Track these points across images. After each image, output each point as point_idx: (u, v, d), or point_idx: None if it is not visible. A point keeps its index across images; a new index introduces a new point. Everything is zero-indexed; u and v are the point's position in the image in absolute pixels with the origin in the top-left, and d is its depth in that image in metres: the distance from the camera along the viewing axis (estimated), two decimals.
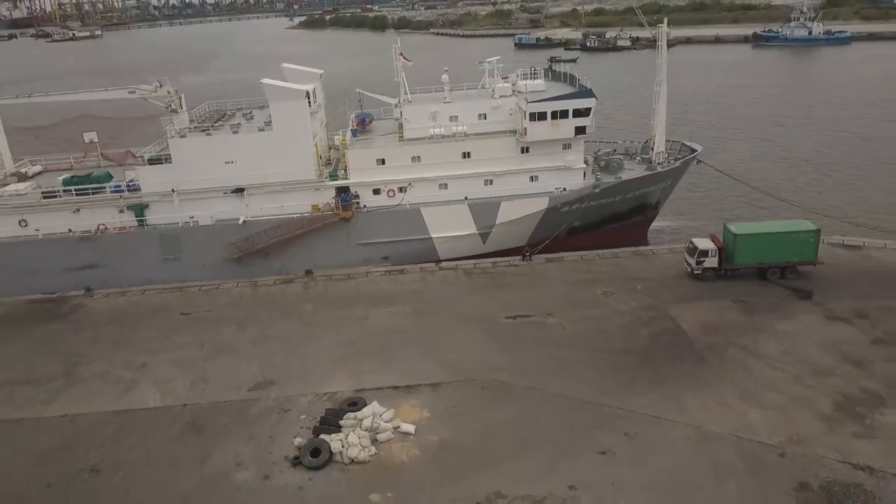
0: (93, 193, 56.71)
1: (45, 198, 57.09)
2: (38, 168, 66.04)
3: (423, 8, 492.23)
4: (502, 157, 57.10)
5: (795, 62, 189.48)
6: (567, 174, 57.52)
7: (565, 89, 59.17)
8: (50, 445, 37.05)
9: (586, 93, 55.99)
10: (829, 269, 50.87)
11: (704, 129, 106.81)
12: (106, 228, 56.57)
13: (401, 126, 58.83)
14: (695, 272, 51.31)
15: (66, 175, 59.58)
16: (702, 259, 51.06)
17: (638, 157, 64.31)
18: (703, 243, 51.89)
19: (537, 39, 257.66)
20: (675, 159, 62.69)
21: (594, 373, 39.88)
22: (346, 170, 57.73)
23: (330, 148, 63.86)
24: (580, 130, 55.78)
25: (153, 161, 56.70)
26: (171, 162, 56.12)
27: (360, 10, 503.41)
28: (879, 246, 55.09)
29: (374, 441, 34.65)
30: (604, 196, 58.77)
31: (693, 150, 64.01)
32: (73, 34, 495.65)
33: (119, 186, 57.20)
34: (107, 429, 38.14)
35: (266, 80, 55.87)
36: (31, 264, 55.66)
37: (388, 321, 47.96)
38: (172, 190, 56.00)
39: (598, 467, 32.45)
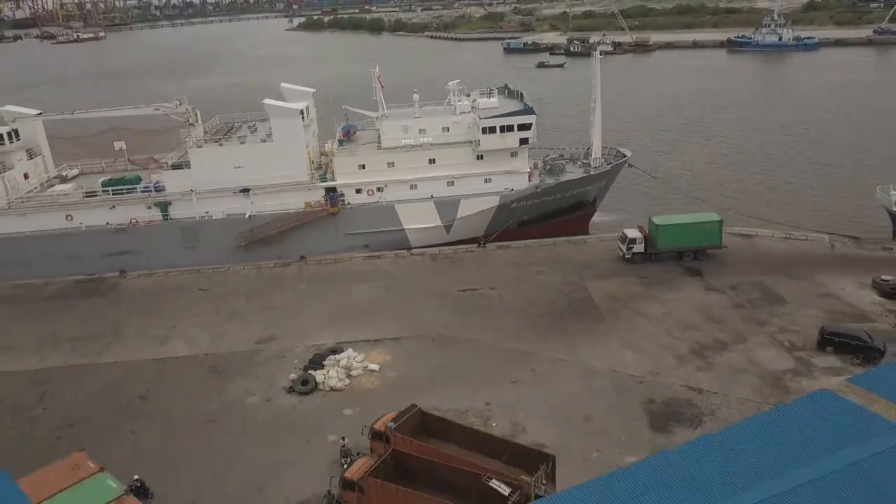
0: (126, 193, 69.23)
1: (86, 196, 69.61)
2: (75, 172, 78.48)
3: (419, 9, 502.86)
4: (461, 162, 69.52)
5: (764, 68, 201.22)
6: (514, 177, 69.96)
7: (516, 105, 71.53)
8: (107, 383, 49.54)
9: (528, 111, 68.43)
10: (726, 253, 63.41)
11: (666, 134, 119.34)
12: (137, 222, 69.03)
13: (379, 137, 71.18)
14: (626, 256, 63.79)
15: (103, 178, 72.07)
16: (631, 245, 63.52)
17: (579, 162, 76.63)
18: (632, 233, 64.39)
19: (524, 44, 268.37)
20: (609, 164, 75.04)
21: (517, 328, 52.40)
22: (333, 173, 70.16)
23: (321, 154, 76.19)
24: (524, 141, 68.22)
25: (175, 166, 69.18)
26: (190, 167, 68.57)
27: (358, 11, 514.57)
28: (768, 235, 67.56)
29: (349, 375, 47.14)
30: (546, 195, 71.20)
31: (625, 156, 76.42)
32: (78, 36, 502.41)
33: (147, 187, 69.70)
34: (148, 371, 50.64)
35: (267, 101, 68.32)
36: (76, 251, 68.02)
37: (366, 294, 60.49)
38: (191, 190, 68.48)
39: (508, 391, 44.91)
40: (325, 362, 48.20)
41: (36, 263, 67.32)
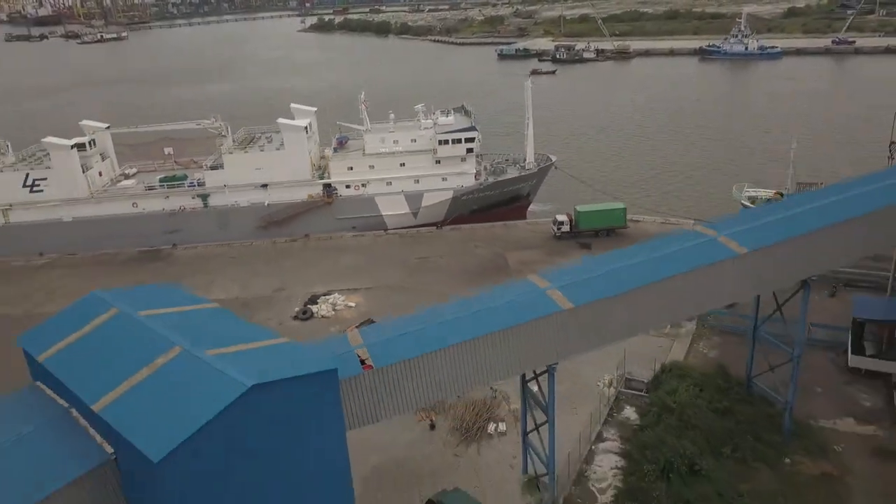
0: (176, 187, 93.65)
1: (147, 189, 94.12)
2: (134, 170, 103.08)
3: (427, 9, 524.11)
4: (424, 165, 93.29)
5: (725, 76, 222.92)
6: (464, 176, 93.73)
7: (467, 123, 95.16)
8: None
9: (472, 128, 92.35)
10: (622, 232, 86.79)
11: (608, 138, 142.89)
12: (184, 208, 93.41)
13: (363, 146, 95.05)
14: (556, 235, 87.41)
15: (159, 175, 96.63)
16: (560, 226, 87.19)
17: (518, 165, 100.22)
18: (561, 217, 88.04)
19: (517, 50, 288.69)
20: (538, 166, 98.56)
21: (451, 281, 76.24)
22: (329, 173, 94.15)
23: (320, 158, 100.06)
24: (469, 150, 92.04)
25: (213, 167, 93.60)
26: (223, 168, 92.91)
27: (368, 11, 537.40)
28: (650, 220, 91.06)
29: (334, 309, 71.31)
30: (489, 190, 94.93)
31: (551, 160, 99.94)
32: (101, 35, 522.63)
33: (192, 183, 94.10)
34: None
35: (280, 120, 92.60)
36: (140, 230, 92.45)
37: (350, 261, 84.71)
38: (224, 185, 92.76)
39: None
40: (318, 300, 72.46)
41: (111, 238, 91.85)
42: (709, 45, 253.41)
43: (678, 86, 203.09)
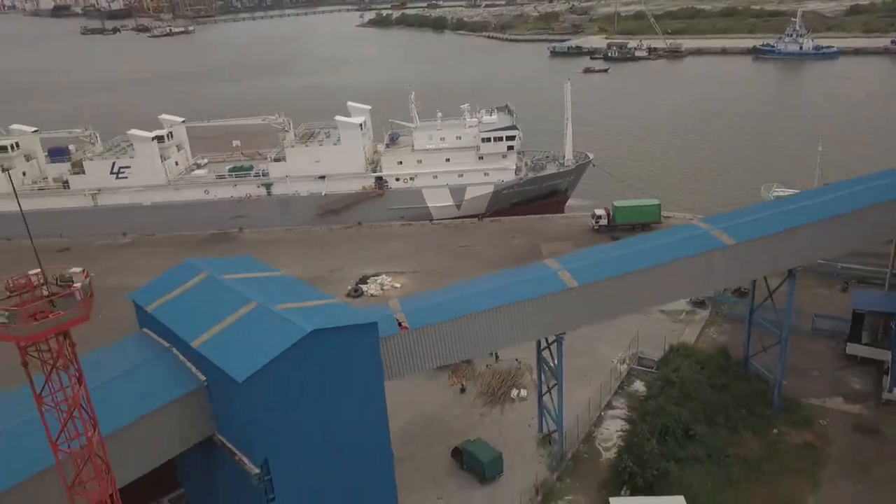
0: (244, 176, 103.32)
1: (218, 178, 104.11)
2: (206, 161, 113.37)
3: (484, 4, 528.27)
4: (468, 161, 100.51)
5: (777, 77, 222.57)
6: (505, 172, 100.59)
7: (509, 121, 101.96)
8: None
9: (514, 127, 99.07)
10: (656, 227, 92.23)
11: (650, 137, 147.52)
12: (250, 196, 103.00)
13: (413, 142, 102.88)
14: (594, 227, 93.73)
15: (229, 166, 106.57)
16: (598, 220, 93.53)
17: (558, 161, 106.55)
18: (599, 211, 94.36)
19: (569, 48, 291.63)
20: (576, 163, 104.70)
21: (489, 268, 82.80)
22: (381, 167, 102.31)
23: (374, 153, 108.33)
24: (510, 147, 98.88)
25: (276, 159, 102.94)
26: (286, 160, 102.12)
27: (425, 7, 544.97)
28: (683, 217, 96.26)
29: (382, 288, 79.45)
30: (528, 184, 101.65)
31: (589, 158, 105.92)
32: (170, 29, 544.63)
33: (257, 173, 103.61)
34: None
35: (338, 117, 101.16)
36: (211, 215, 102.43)
37: (398, 247, 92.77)
38: (286, 176, 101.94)
39: None
40: (368, 281, 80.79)
41: (185, 222, 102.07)
42: (762, 45, 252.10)
43: (727, 86, 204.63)
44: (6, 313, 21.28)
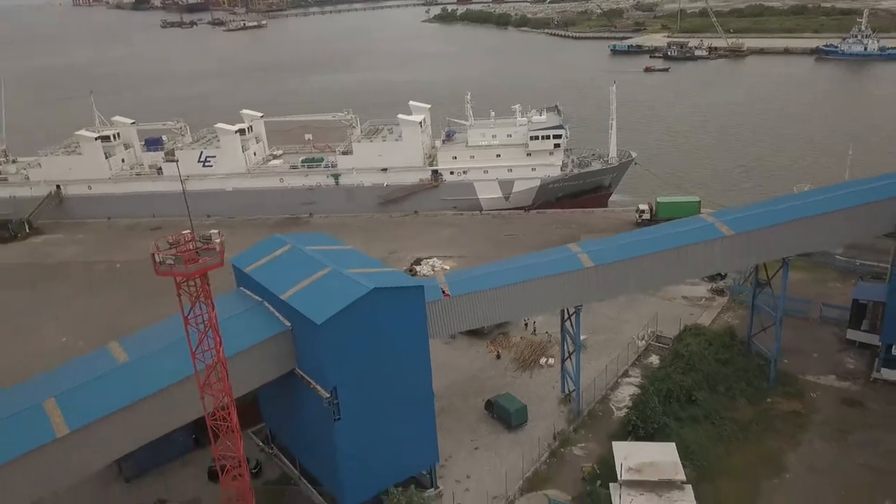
0: (315, 167, 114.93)
1: (291, 168, 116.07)
2: (280, 152, 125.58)
3: (548, 1, 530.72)
4: (517, 157, 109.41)
5: (838, 78, 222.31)
6: (551, 168, 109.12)
7: (557, 121, 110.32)
8: None
9: (561, 126, 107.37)
10: None
11: (695, 137, 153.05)
12: (320, 185, 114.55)
13: (467, 139, 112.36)
14: (638, 221, 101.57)
15: (301, 157, 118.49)
16: (641, 214, 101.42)
17: (602, 159, 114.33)
18: (643, 206, 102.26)
19: (629, 47, 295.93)
20: (619, 161, 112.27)
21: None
22: (437, 161, 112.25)
23: (431, 148, 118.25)
24: (557, 145, 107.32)
25: (344, 153, 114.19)
26: (352, 154, 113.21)
27: (490, 2, 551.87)
28: None
29: (433, 269, 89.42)
30: (572, 180, 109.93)
31: (631, 156, 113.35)
32: (244, 23, 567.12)
33: (327, 164, 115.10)
34: None
35: (401, 116, 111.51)
36: (284, 201, 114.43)
37: (450, 234, 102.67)
38: (353, 168, 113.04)
39: None
40: (421, 262, 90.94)
41: (262, 206, 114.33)
42: (825, 45, 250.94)
43: (783, 87, 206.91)
44: (173, 257, 31.78)
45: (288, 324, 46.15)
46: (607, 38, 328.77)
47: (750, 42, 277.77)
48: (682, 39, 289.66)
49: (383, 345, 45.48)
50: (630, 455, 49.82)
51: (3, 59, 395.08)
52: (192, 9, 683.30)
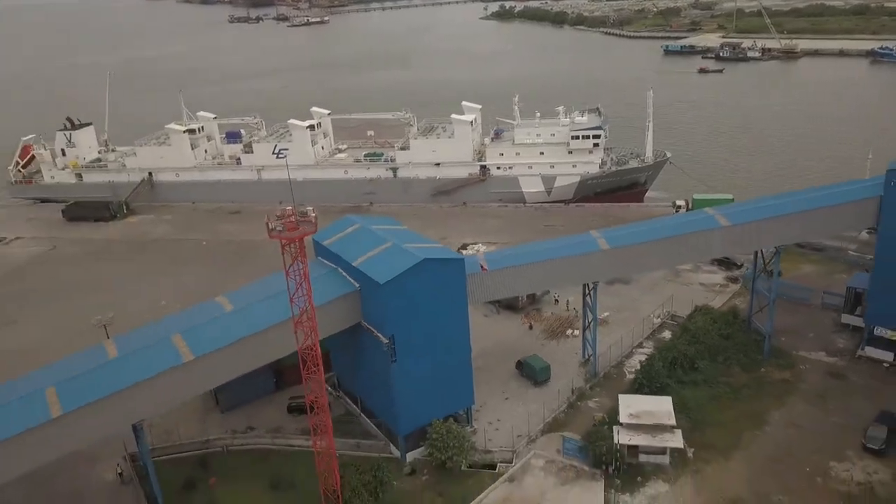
0: (376, 161, 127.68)
1: (355, 161, 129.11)
2: (345, 146, 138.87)
3: None
4: (559, 154, 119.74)
5: (888, 81, 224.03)
6: (590, 165, 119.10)
7: (598, 122, 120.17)
8: None
9: (600, 127, 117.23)
10: None
11: (735, 139, 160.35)
12: (380, 177, 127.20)
13: (513, 137, 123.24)
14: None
15: (364, 152, 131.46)
16: (678, 209, 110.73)
17: (639, 158, 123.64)
18: (680, 202, 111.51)
19: (682, 47, 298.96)
20: (655, 160, 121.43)
21: None
22: (485, 157, 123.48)
23: (481, 145, 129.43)
24: (596, 144, 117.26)
25: (402, 148, 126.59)
26: (409, 149, 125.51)
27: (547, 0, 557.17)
28: None
29: (478, 251, 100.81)
30: (610, 177, 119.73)
31: (666, 156, 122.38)
32: (307, 19, 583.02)
33: (387, 158, 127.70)
34: None
35: (454, 116, 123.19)
36: (348, 190, 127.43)
37: (495, 224, 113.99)
38: (409, 162, 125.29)
39: None
40: (467, 247, 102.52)
41: (328, 195, 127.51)
42: (881, 48, 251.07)
43: (832, 89, 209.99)
44: (282, 225, 44.13)
45: (357, 284, 58.34)
46: (662, 37, 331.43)
47: (804, 43, 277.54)
48: (735, 40, 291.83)
49: (431, 303, 57.22)
50: (632, 405, 60.76)
51: (94, 52, 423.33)
52: (256, 4, 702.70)
